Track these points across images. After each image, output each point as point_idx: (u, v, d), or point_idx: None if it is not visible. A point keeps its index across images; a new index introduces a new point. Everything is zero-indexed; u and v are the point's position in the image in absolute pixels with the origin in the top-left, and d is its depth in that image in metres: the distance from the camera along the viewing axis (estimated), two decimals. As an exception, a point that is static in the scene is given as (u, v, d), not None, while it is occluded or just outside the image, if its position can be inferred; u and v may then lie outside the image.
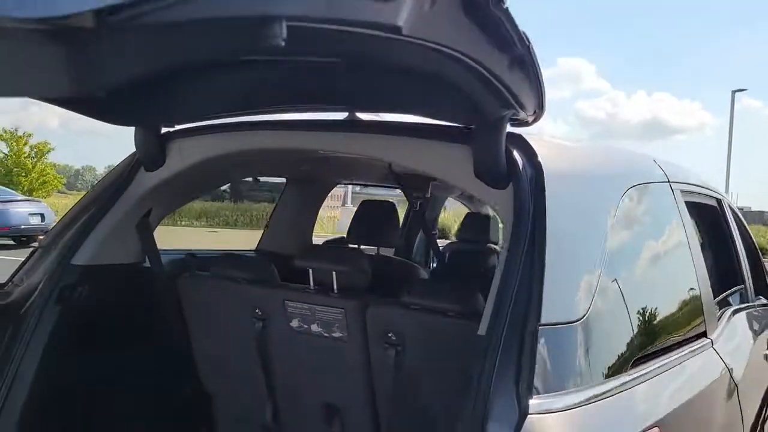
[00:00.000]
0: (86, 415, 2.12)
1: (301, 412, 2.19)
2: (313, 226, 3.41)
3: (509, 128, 1.56)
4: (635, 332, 1.53)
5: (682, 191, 2.25)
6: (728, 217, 2.96)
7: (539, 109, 1.44)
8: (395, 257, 2.85)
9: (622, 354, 1.42)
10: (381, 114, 1.90)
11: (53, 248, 2.02)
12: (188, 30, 0.81)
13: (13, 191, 17.80)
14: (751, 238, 3.70)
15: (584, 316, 1.31)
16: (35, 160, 32.75)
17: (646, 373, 1.46)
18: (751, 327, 2.63)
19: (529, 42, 1.15)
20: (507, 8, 1.02)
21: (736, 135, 29.58)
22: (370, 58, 1.27)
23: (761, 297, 3.71)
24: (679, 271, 2.00)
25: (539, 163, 1.45)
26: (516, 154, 1.49)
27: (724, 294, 2.54)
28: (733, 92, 26.26)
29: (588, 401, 1.23)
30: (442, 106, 1.55)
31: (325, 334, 1.98)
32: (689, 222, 2.17)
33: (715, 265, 3.16)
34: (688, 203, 2.35)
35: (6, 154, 32.60)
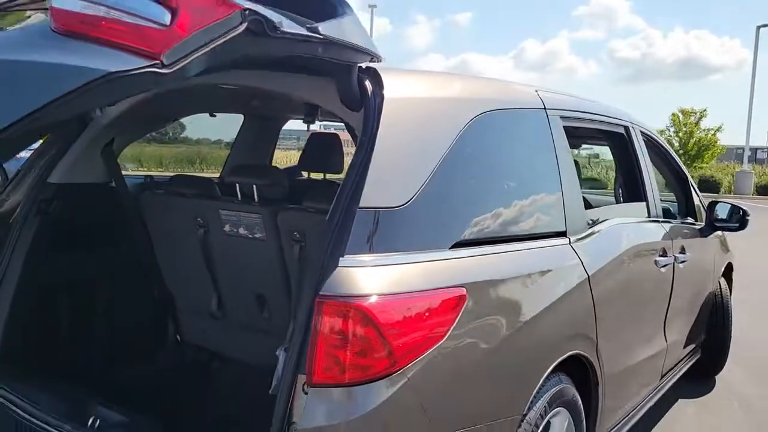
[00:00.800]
0: (68, 310, 2.64)
1: (239, 302, 2.69)
2: (270, 156, 3.88)
3: (370, 64, 1.98)
4: (468, 223, 1.95)
5: (564, 117, 2.63)
6: (635, 143, 3.31)
7: (376, 58, 1.87)
8: (325, 179, 3.27)
9: (443, 235, 1.84)
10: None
11: (33, 169, 2.51)
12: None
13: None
14: (676, 163, 4.06)
15: (404, 204, 1.74)
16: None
17: (471, 252, 1.89)
18: (636, 236, 3.01)
19: (322, 35, 1.60)
20: (281, 32, 1.48)
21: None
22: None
23: (689, 217, 4.10)
24: (536, 182, 2.40)
25: (382, 90, 1.86)
26: (367, 84, 1.89)
27: (603, 206, 2.93)
28: (758, 27, 25.68)
29: (395, 263, 1.66)
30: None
31: (250, 236, 2.46)
32: (563, 143, 2.55)
33: (621, 184, 3.56)
34: (573, 128, 2.76)
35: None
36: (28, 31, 1.52)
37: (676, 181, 4.15)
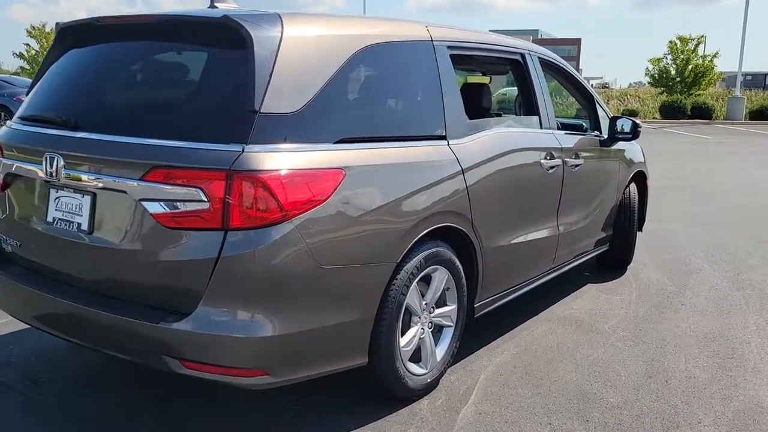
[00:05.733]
0: None
1: None
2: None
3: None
4: (353, 126, 2.69)
5: (451, 47, 3.34)
6: (530, 68, 4.00)
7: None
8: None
9: (328, 134, 2.58)
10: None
11: None
12: None
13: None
14: (582, 86, 4.76)
15: (295, 111, 2.48)
16: (65, 55, 33.80)
17: (353, 147, 2.65)
18: (518, 142, 3.70)
19: None
20: None
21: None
22: None
23: (597, 131, 4.81)
24: (418, 98, 3.14)
25: (282, 31, 2.57)
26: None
27: (484, 118, 3.64)
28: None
29: (285, 151, 2.42)
30: None
31: None
32: (447, 68, 3.25)
33: (519, 102, 4.29)
34: (460, 56, 3.47)
35: (37, 51, 33.81)
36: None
37: (584, 100, 4.86)
